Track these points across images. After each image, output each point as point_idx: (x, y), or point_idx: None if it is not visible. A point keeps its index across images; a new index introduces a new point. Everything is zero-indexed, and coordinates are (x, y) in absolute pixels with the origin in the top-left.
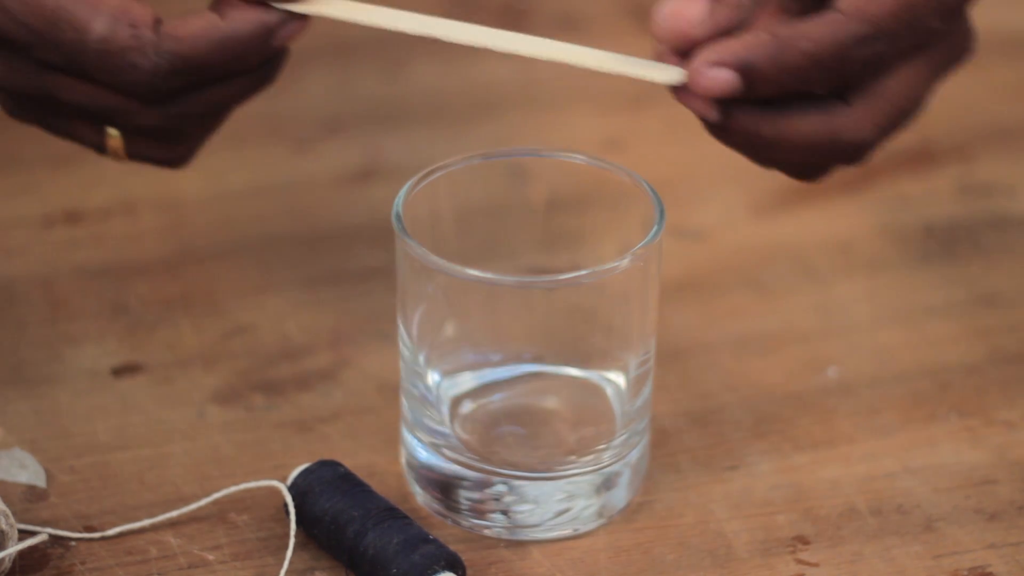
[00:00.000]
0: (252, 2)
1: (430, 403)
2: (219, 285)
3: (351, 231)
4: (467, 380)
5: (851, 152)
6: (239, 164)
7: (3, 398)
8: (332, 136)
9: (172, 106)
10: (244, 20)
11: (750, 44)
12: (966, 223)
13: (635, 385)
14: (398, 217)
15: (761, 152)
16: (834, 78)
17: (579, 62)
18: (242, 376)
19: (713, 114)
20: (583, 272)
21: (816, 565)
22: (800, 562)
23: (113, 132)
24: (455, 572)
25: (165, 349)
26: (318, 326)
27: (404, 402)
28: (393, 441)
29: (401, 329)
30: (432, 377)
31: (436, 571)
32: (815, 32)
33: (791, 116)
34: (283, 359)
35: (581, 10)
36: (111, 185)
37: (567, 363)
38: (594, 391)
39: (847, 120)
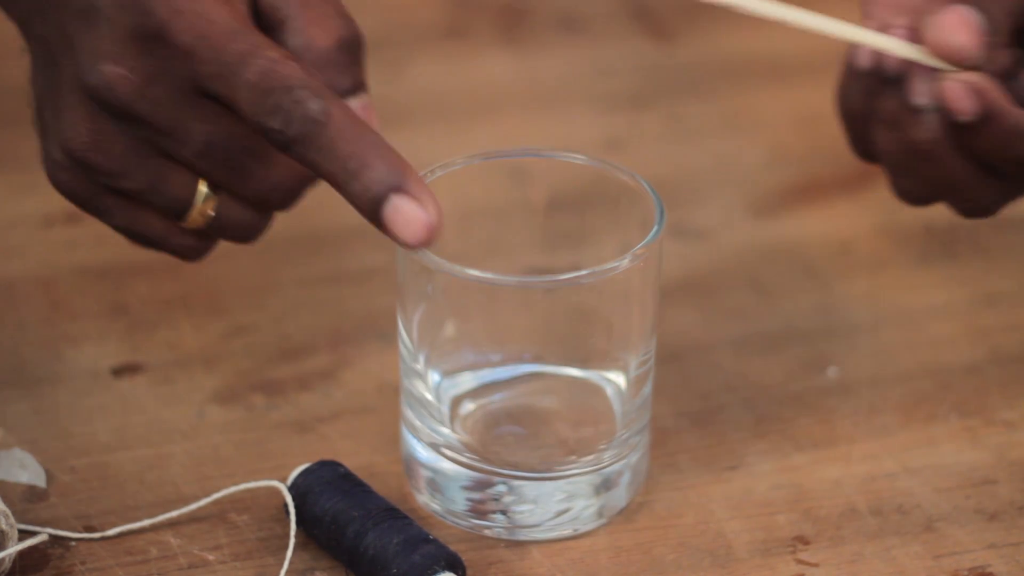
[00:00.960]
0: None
1: (430, 403)
2: (219, 285)
3: (351, 231)
4: (467, 380)
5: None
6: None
7: (3, 398)
8: None
9: (294, 146)
10: (394, 152)
11: (1006, 107)
12: (966, 223)
13: (635, 385)
14: None
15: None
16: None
17: (859, 39)
18: (242, 376)
19: (969, 107)
20: (583, 272)
21: (816, 565)
22: (800, 562)
23: (204, 191)
24: (455, 572)
25: (165, 349)
26: (318, 326)
27: (404, 402)
28: (393, 441)
29: (401, 329)
30: (432, 377)
31: (436, 571)
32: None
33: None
34: (283, 359)
35: (581, 10)
36: None
37: (567, 363)
38: (594, 391)
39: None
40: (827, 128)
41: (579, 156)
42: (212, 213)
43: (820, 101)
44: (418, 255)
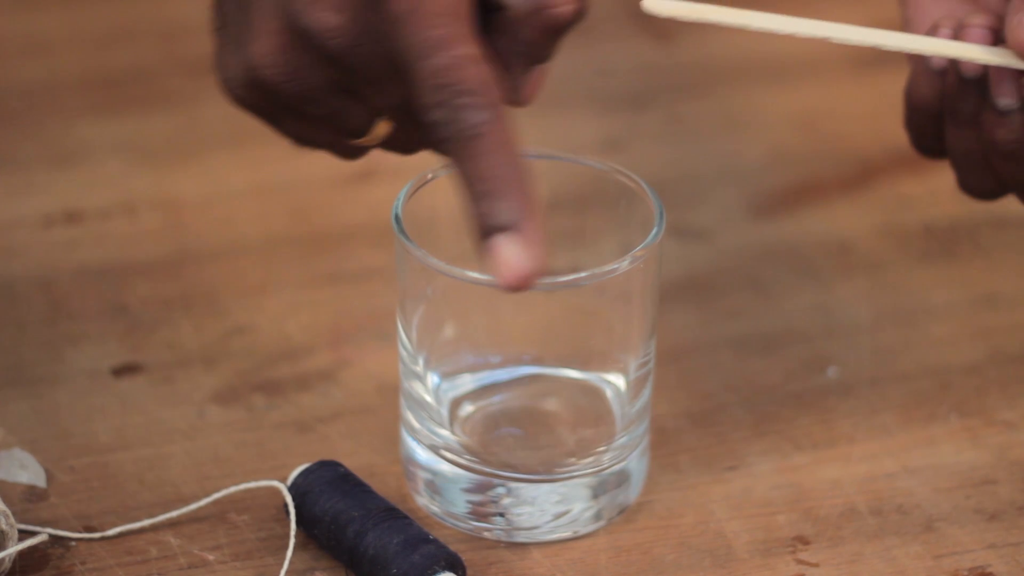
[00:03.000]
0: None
1: (429, 405)
2: (219, 285)
3: (351, 231)
4: (467, 382)
5: None
6: (239, 164)
7: (3, 398)
8: None
9: (425, 135)
10: (519, 194)
11: None
12: (966, 223)
13: (635, 387)
14: (397, 219)
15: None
16: None
17: (937, 51)
18: (242, 376)
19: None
20: (583, 274)
21: (816, 565)
22: (800, 562)
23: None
24: (455, 572)
25: (165, 349)
26: (318, 326)
27: (403, 404)
28: (393, 441)
29: (400, 331)
30: (431, 379)
31: (436, 571)
32: None
33: None
34: (283, 359)
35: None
36: (111, 185)
37: (567, 365)
38: (594, 393)
39: None
40: (827, 128)
41: (579, 156)
42: (385, 134)
43: (820, 101)
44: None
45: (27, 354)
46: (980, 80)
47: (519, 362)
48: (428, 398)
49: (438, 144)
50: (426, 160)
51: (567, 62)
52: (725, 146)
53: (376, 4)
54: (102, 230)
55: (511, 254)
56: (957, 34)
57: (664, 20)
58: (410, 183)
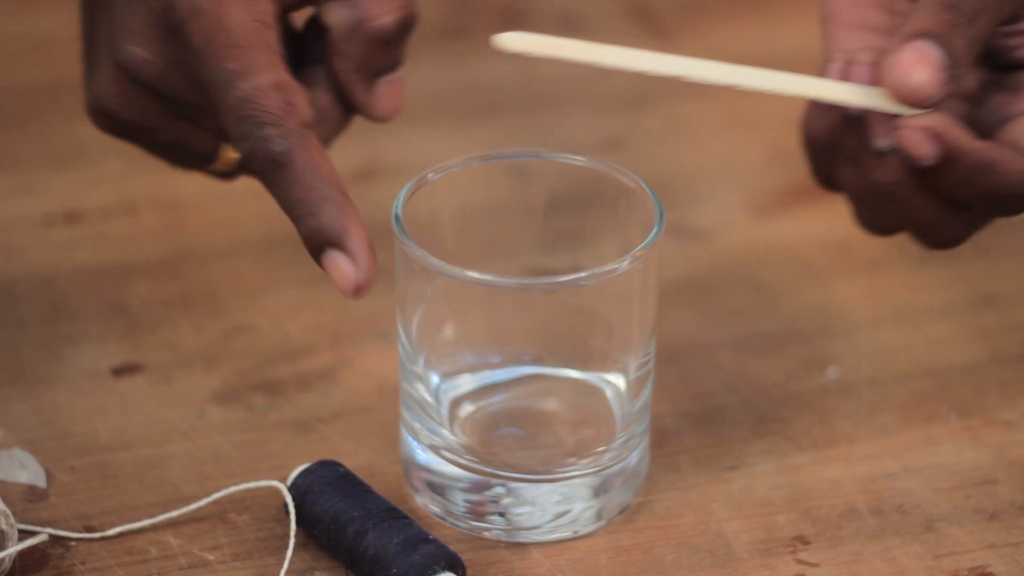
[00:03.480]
0: (359, 225)
1: (429, 405)
2: (219, 285)
3: None
4: (466, 382)
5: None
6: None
7: (3, 398)
8: None
9: (246, 170)
10: (340, 213)
11: (967, 145)
12: None
13: (635, 387)
14: (397, 219)
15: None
16: (987, 203)
17: (805, 92)
18: (242, 376)
19: (930, 152)
20: (583, 274)
21: (816, 565)
22: (800, 562)
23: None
24: (455, 572)
25: (165, 349)
26: (318, 326)
27: (403, 404)
28: (393, 441)
29: (400, 331)
30: (431, 379)
31: (436, 571)
32: (1012, 174)
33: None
34: (283, 359)
35: (581, 10)
36: (111, 185)
37: (567, 365)
38: (594, 393)
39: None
40: None
41: (579, 157)
42: (236, 158)
43: None
44: (420, 264)
45: (27, 354)
46: (860, 118)
47: (519, 362)
48: (428, 398)
49: (251, 172)
50: (426, 160)
51: (567, 62)
52: (725, 146)
53: (177, 37)
54: (102, 230)
55: (340, 267)
56: (844, 71)
57: (664, 19)
58: (410, 183)
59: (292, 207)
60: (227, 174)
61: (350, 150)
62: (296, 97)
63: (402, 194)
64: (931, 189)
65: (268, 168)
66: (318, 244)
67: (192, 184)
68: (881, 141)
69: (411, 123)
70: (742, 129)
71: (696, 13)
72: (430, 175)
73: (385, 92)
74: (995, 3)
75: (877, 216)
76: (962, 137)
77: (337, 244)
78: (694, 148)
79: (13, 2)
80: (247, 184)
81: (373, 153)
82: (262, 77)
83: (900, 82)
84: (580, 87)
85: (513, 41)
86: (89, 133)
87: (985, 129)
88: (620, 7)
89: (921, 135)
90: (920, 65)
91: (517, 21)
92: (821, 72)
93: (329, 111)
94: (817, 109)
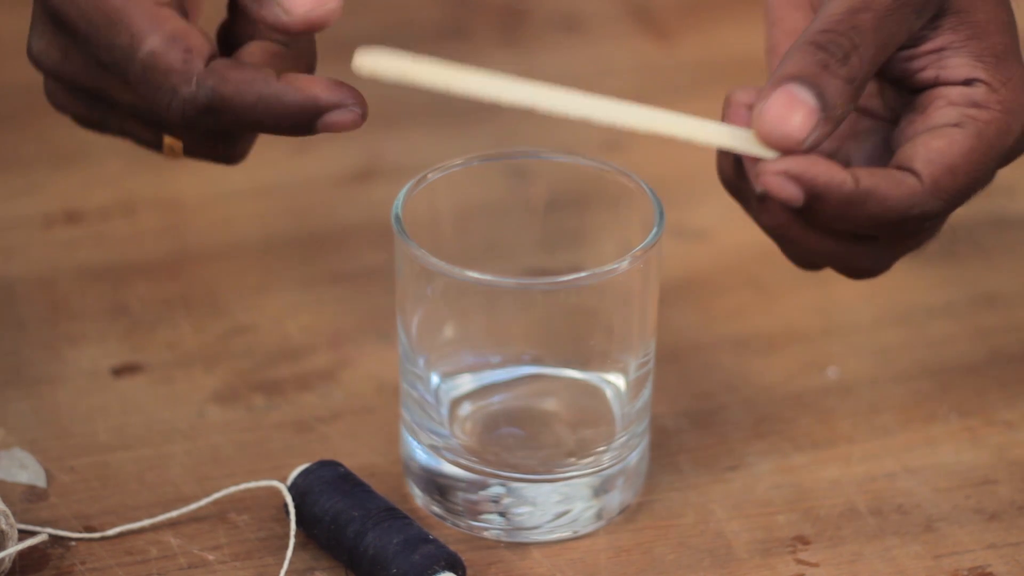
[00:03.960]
0: (316, 77)
1: (429, 405)
2: (219, 285)
3: (351, 231)
4: (466, 382)
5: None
6: (239, 164)
7: (3, 398)
8: (332, 136)
9: (199, 129)
10: (297, 90)
11: (832, 181)
12: (966, 223)
13: (635, 387)
14: (397, 219)
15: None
16: (882, 231)
17: (674, 133)
18: (242, 376)
19: (794, 194)
20: (583, 274)
21: (816, 565)
22: (800, 562)
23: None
24: (455, 572)
25: (165, 349)
26: (318, 326)
27: (403, 404)
28: (393, 441)
29: (400, 331)
30: (431, 379)
31: (436, 571)
32: (891, 199)
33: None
34: (283, 359)
35: (581, 10)
36: (111, 185)
37: (567, 365)
38: (594, 393)
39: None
40: None
41: (579, 156)
42: (178, 143)
43: None
44: (414, 252)
45: (27, 354)
46: (740, 161)
47: (519, 362)
48: (428, 398)
49: (203, 129)
50: (426, 160)
51: (567, 62)
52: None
53: (63, 25)
54: (102, 230)
55: (337, 120)
56: (724, 110)
57: (664, 19)
58: (410, 183)
59: (260, 125)
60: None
61: (350, 150)
62: (191, 40)
63: (402, 194)
64: (818, 226)
65: (211, 117)
66: (306, 125)
67: (192, 184)
68: (757, 186)
69: (411, 123)
70: None
71: (696, 13)
72: (430, 175)
73: None
74: (872, 40)
75: (788, 253)
76: (824, 174)
77: (319, 113)
78: (694, 148)
79: (13, 2)
80: (247, 184)
81: (373, 153)
82: (151, 39)
83: (771, 129)
84: (580, 87)
85: (370, 62)
86: (89, 133)
87: (896, 150)
88: (620, 7)
89: (782, 179)
90: (790, 111)
91: (517, 21)
92: (725, 106)
93: (278, 53)
94: (721, 151)
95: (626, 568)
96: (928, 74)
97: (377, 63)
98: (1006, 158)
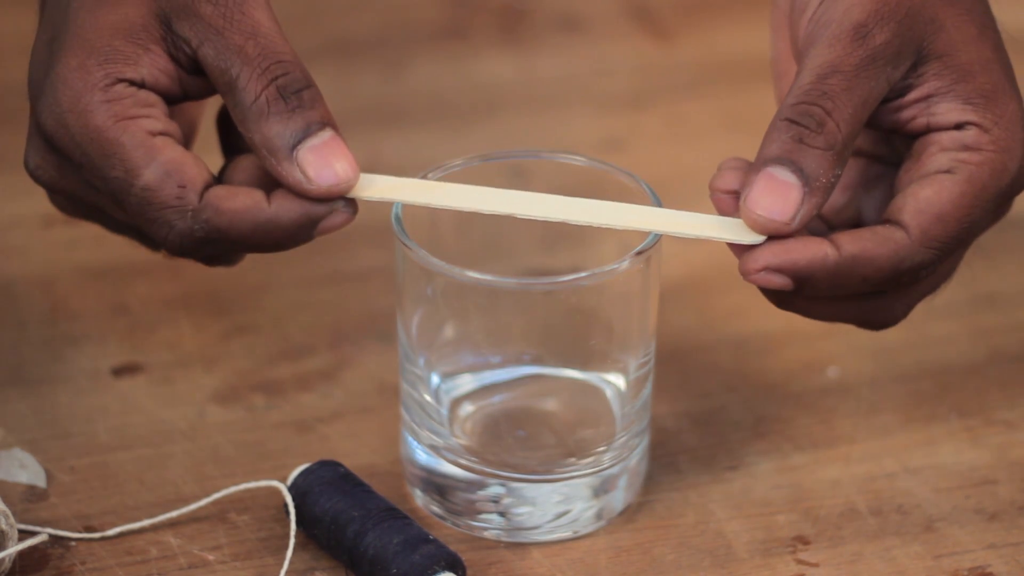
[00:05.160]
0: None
1: (429, 405)
2: (219, 285)
3: (351, 231)
4: (466, 382)
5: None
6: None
7: (3, 398)
8: None
9: (198, 255)
10: (290, 209)
11: (814, 260)
12: None
13: (635, 387)
14: (397, 219)
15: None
16: (882, 287)
17: (653, 228)
18: (242, 376)
19: (782, 282)
20: (583, 274)
21: (816, 565)
22: (800, 562)
23: None
24: (455, 572)
25: (165, 349)
26: (318, 326)
27: (403, 405)
28: (393, 441)
29: (400, 331)
30: (431, 379)
31: (436, 571)
32: (879, 258)
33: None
34: (283, 359)
35: (581, 10)
36: None
37: (567, 365)
38: (594, 393)
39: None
40: None
41: (579, 157)
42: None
43: None
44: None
45: (27, 354)
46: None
47: (519, 362)
48: (428, 398)
49: (204, 255)
50: (426, 160)
51: (567, 62)
52: (725, 146)
53: (56, 151)
54: (102, 230)
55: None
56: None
57: (664, 19)
58: None
59: (260, 247)
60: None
61: (350, 150)
62: (185, 172)
63: None
64: (818, 297)
65: (207, 246)
66: (304, 238)
67: None
68: (745, 276)
69: (411, 123)
70: (742, 129)
71: (696, 13)
72: (430, 175)
73: (309, 161)
74: (845, 101)
75: (804, 316)
76: (805, 254)
77: (315, 224)
78: (694, 148)
79: (13, 2)
80: None
81: (373, 153)
82: (145, 174)
83: (757, 218)
84: (580, 87)
85: (359, 188)
86: None
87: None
88: (620, 7)
89: (765, 273)
90: (772, 194)
91: (517, 21)
92: (710, 193)
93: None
94: None
95: (626, 568)
96: (919, 122)
97: (360, 189)
98: (1006, 195)
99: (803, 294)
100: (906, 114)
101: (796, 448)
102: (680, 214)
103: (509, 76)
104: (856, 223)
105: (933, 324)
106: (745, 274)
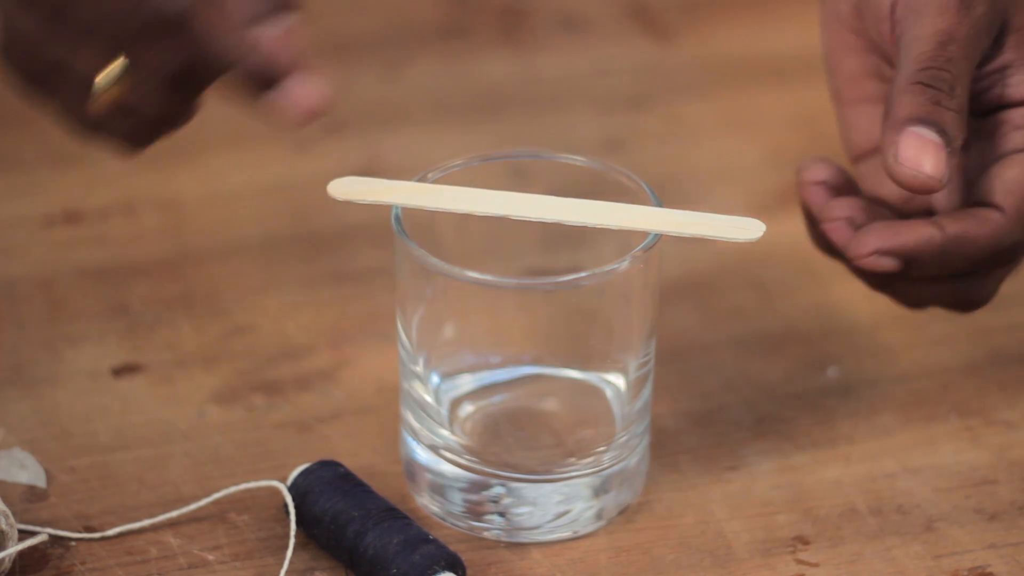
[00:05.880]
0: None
1: (429, 405)
2: (219, 285)
3: (351, 231)
4: (466, 382)
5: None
6: (239, 164)
7: (3, 398)
8: (332, 136)
9: (161, 46)
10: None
11: (920, 241)
12: None
13: (635, 387)
14: (397, 219)
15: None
16: (979, 267)
17: (653, 228)
18: (242, 376)
19: (890, 264)
20: (583, 274)
21: (816, 565)
22: (800, 562)
23: (116, 68)
24: (455, 572)
25: (165, 349)
26: (318, 326)
27: (403, 404)
28: (393, 441)
29: (400, 331)
30: (431, 379)
31: (436, 571)
32: (981, 238)
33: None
34: (283, 359)
35: (581, 10)
36: (111, 185)
37: (567, 365)
38: (594, 393)
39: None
40: (826, 128)
41: (579, 157)
42: (116, 73)
43: (820, 101)
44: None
45: (27, 354)
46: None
47: (519, 362)
48: (428, 398)
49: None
50: (426, 160)
51: (567, 62)
52: (724, 146)
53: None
54: (102, 230)
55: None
56: (798, 190)
57: (664, 19)
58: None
59: (221, 61)
60: (112, 103)
61: (350, 150)
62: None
63: None
64: (920, 278)
65: (180, 35)
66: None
67: (192, 184)
68: (854, 262)
69: (411, 123)
70: (742, 129)
71: (696, 13)
72: (430, 175)
73: (272, 42)
74: (965, 68)
75: (897, 300)
76: (912, 236)
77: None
78: (694, 148)
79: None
80: (247, 184)
81: (373, 153)
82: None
83: (911, 175)
84: (580, 87)
85: (343, 189)
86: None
87: (971, 179)
88: (620, 7)
89: (874, 257)
90: (922, 152)
91: (517, 21)
92: (798, 186)
93: None
94: (808, 226)
95: (626, 568)
96: (993, 94)
97: (349, 190)
98: None
99: (907, 275)
100: (982, 84)
101: (796, 448)
102: (680, 214)
103: (509, 76)
104: (925, 210)
105: (933, 324)
106: (855, 259)
